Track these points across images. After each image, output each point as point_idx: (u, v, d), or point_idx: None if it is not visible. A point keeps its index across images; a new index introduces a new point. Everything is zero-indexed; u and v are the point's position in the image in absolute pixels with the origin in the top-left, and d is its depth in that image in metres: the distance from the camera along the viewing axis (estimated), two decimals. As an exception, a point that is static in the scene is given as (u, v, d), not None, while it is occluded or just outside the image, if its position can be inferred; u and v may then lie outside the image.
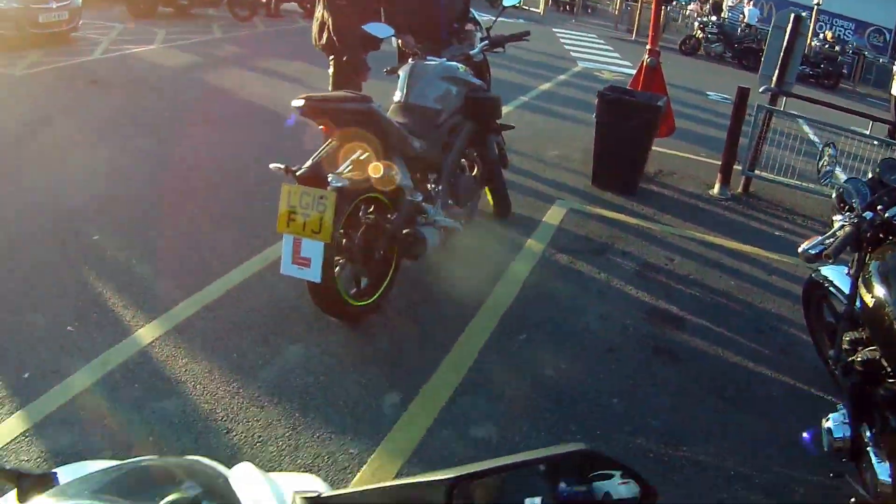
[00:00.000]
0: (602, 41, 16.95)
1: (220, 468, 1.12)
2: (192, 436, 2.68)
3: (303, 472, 2.33)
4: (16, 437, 2.62)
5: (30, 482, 1.01)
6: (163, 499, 0.93)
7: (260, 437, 2.70)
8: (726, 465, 2.68)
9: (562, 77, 11.09)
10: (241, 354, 3.17)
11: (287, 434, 2.72)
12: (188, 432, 2.70)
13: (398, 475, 2.52)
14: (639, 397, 3.05)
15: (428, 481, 0.81)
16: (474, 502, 0.84)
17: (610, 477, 0.79)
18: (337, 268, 3.09)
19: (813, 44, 16.33)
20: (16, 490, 1.02)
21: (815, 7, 16.57)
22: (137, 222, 4.29)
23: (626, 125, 5.08)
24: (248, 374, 3.04)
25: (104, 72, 8.13)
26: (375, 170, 2.99)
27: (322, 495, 0.94)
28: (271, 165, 3.05)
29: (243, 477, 1.08)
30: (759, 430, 2.91)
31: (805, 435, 2.52)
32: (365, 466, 2.57)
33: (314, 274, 2.87)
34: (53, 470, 1.09)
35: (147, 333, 3.28)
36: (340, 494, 0.93)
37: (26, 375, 2.98)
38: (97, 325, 3.32)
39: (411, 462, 2.60)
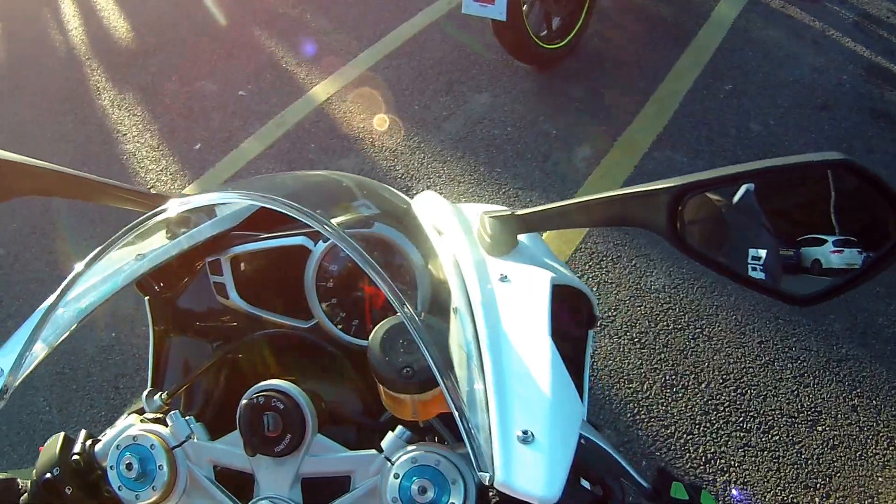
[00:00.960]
0: None
1: (403, 196, 1.07)
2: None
3: None
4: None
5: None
6: (337, 213, 0.88)
7: (442, 193, 2.65)
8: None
9: None
10: (423, 106, 3.06)
11: (471, 190, 2.66)
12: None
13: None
14: (853, 165, 2.69)
15: (645, 191, 0.65)
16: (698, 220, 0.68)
17: (822, 243, 0.69)
18: (525, 6, 2.79)
19: None
20: None
21: None
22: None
23: None
24: (430, 128, 2.95)
25: None
26: None
27: (516, 213, 0.82)
28: None
29: (425, 202, 1.00)
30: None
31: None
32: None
33: (499, 11, 2.60)
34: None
35: (323, 91, 3.22)
36: (536, 211, 0.79)
37: (197, 147, 3.03)
38: (271, 87, 3.30)
39: (601, 219, 2.47)
